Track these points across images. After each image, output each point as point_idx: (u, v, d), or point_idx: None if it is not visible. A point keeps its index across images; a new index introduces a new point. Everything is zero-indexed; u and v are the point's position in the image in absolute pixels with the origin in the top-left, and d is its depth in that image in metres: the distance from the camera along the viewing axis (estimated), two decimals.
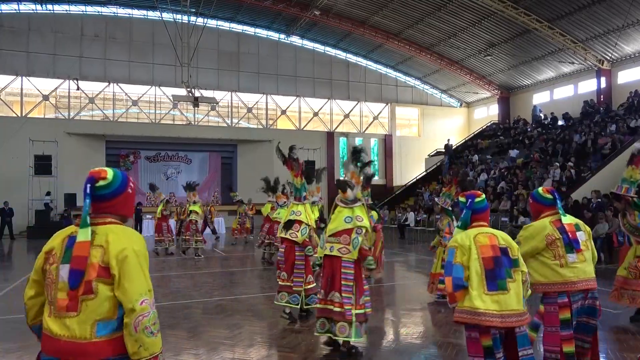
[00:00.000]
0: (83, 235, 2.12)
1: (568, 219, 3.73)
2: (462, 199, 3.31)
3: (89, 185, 2.18)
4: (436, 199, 8.36)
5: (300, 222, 6.28)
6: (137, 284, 2.12)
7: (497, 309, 2.96)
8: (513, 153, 20.90)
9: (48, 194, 21.00)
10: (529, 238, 3.68)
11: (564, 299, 3.56)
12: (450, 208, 7.54)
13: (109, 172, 2.24)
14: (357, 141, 29.52)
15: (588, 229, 3.84)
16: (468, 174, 12.37)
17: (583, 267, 3.60)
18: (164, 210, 14.35)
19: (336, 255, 4.63)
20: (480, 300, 2.96)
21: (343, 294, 4.54)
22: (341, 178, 5.20)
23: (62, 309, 2.08)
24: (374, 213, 9.15)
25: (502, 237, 3.17)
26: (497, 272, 3.02)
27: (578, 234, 3.67)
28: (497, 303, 2.97)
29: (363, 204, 4.93)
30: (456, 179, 7.65)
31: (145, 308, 2.10)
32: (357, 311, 4.55)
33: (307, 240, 6.18)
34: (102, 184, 2.21)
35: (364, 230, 4.68)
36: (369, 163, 5.72)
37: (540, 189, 3.90)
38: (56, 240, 2.20)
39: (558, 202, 3.78)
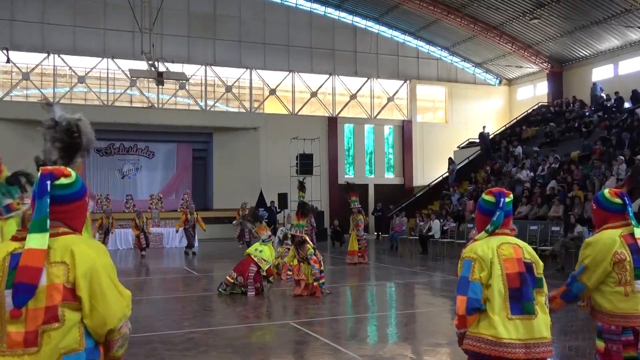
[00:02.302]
0: (38, 241, 2.12)
1: None
2: (489, 198, 3.31)
3: (48, 182, 2.21)
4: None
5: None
6: (114, 306, 2.21)
7: (521, 337, 2.99)
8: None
9: None
10: (599, 259, 3.59)
11: (629, 337, 3.54)
12: None
13: (72, 171, 2.31)
14: (367, 129, 29.58)
15: None
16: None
17: None
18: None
19: None
20: (503, 327, 2.99)
21: None
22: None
23: (16, 345, 2.07)
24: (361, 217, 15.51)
25: (527, 251, 3.19)
26: (523, 291, 3.05)
27: None
28: (521, 330, 3.00)
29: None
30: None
31: (122, 331, 2.28)
32: None
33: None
34: (65, 182, 2.25)
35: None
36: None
37: (606, 191, 3.84)
38: None
39: (630, 209, 3.71)
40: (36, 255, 2.10)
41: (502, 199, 3.26)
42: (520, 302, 3.02)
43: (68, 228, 2.27)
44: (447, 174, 27.07)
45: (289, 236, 12.40)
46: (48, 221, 2.15)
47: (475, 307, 3.03)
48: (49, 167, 2.30)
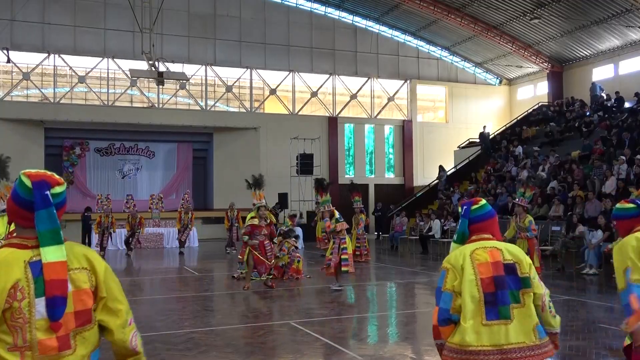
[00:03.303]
0: (57, 253, 2.18)
1: None
2: (459, 209, 3.42)
3: (48, 193, 2.23)
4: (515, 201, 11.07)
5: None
6: (125, 302, 2.41)
7: (496, 342, 2.92)
8: None
9: None
10: (636, 256, 3.46)
11: None
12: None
13: (61, 178, 2.35)
14: (368, 129, 29.58)
15: None
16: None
17: None
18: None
19: None
20: (474, 333, 2.93)
21: None
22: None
23: (50, 350, 2.15)
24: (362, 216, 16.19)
25: (509, 251, 3.13)
26: (498, 296, 2.98)
27: None
28: (497, 335, 2.94)
29: None
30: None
31: (134, 327, 2.44)
32: None
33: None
34: (59, 191, 2.29)
35: None
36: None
37: (618, 205, 3.91)
38: (14, 271, 2.18)
39: None
40: (59, 268, 2.17)
41: (465, 207, 3.29)
42: (496, 307, 2.96)
43: None
44: (450, 171, 27.10)
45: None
46: (62, 232, 2.21)
47: (446, 318, 3.03)
48: (36, 173, 2.27)
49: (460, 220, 3.29)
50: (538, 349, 2.98)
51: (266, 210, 11.80)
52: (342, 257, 10.70)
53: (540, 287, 3.10)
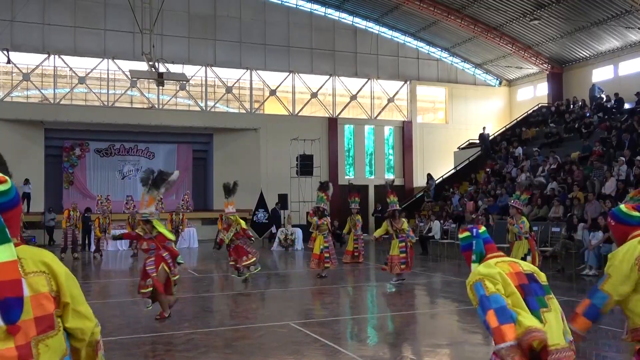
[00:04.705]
0: (5, 253, 2.03)
1: None
2: (465, 235, 3.48)
3: None
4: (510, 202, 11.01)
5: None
6: (87, 306, 2.32)
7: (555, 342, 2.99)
8: None
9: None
10: (619, 266, 3.51)
11: None
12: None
13: (6, 177, 2.22)
14: (367, 130, 29.58)
15: None
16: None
17: None
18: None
19: None
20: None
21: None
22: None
23: None
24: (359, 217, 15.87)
25: (525, 264, 3.28)
26: (529, 301, 3.06)
27: None
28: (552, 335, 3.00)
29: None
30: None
31: (99, 330, 2.37)
32: None
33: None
34: (3, 189, 2.18)
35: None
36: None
37: (623, 207, 3.83)
38: None
39: None
40: (9, 267, 2.03)
41: (474, 230, 3.43)
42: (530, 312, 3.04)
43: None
44: (449, 172, 27.11)
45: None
46: (7, 230, 2.06)
47: (508, 315, 2.94)
48: None
49: (474, 242, 3.39)
50: (569, 350, 3.05)
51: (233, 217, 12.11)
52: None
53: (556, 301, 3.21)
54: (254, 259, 11.91)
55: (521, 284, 3.08)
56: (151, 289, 8.06)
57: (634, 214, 3.73)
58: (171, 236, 8.75)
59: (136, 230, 8.85)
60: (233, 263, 11.99)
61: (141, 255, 18.25)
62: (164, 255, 8.25)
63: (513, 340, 2.85)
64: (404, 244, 11.73)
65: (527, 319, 2.95)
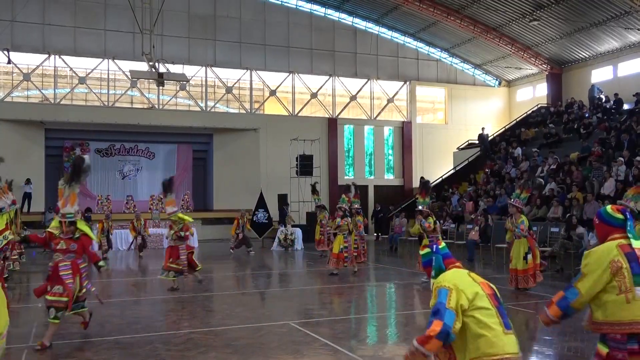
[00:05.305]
0: None
1: None
2: (425, 251, 3.76)
3: None
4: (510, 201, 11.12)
5: None
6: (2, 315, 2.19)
7: (512, 351, 3.15)
8: None
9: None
10: (594, 267, 3.66)
11: (633, 346, 3.54)
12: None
13: None
14: (367, 130, 29.59)
15: None
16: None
17: None
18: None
19: None
20: (501, 342, 3.14)
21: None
22: None
23: None
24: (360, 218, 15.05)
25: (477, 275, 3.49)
26: (501, 309, 3.24)
27: None
28: (512, 345, 3.17)
29: None
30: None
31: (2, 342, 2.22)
32: None
33: None
34: None
35: None
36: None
37: (609, 207, 3.97)
38: None
39: (629, 223, 3.83)
40: None
41: (434, 246, 3.71)
42: (505, 318, 3.20)
43: None
44: (449, 173, 27.10)
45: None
46: None
47: (446, 334, 3.13)
48: None
49: (434, 257, 3.61)
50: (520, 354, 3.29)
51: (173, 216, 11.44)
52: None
53: None
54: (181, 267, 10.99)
55: (492, 293, 3.31)
56: (66, 299, 6.87)
57: (617, 215, 3.87)
58: (94, 237, 8.25)
59: (48, 229, 7.32)
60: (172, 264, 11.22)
61: (145, 254, 18.33)
62: (81, 266, 7.14)
63: (429, 352, 3.14)
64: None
65: (493, 345, 3.11)
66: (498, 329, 3.13)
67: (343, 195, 14.37)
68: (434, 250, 3.57)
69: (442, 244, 3.61)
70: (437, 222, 12.01)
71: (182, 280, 11.44)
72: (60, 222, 7.07)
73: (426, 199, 12.12)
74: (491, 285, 3.37)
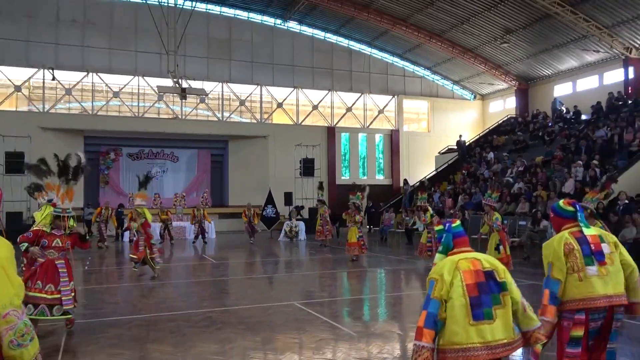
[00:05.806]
0: None
1: (591, 231, 3.74)
2: (439, 227, 3.38)
3: None
4: (484, 201, 11.04)
5: None
6: (1, 294, 2.12)
7: (482, 340, 2.90)
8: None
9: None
10: (558, 253, 3.63)
11: (580, 316, 3.55)
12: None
13: None
14: (361, 137, 29.56)
15: (613, 238, 3.78)
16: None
17: (606, 281, 3.56)
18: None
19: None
20: (464, 332, 2.90)
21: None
22: None
23: None
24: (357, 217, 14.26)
25: (486, 260, 3.13)
26: (482, 299, 2.97)
27: (602, 245, 3.64)
28: (483, 334, 2.91)
29: None
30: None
31: (10, 320, 2.12)
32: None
33: None
34: None
35: None
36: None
37: (561, 202, 3.95)
38: None
39: (580, 214, 3.82)
40: None
41: (447, 224, 3.32)
42: (481, 309, 2.94)
43: None
44: (431, 174, 27.03)
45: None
46: None
47: (432, 322, 2.96)
48: None
49: (444, 235, 3.27)
50: (515, 342, 3.00)
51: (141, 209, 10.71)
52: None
53: (516, 292, 3.08)
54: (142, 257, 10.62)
55: (478, 282, 2.99)
56: (52, 297, 6.04)
57: (568, 208, 3.85)
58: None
59: (42, 228, 6.26)
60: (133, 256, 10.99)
61: (169, 244, 18.31)
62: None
63: (426, 342, 2.92)
64: (430, 235, 12.21)
65: (457, 332, 2.91)
66: (463, 320, 2.92)
67: (358, 193, 14.21)
68: (446, 228, 3.33)
69: (457, 223, 3.39)
70: (434, 215, 12.30)
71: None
72: (61, 217, 6.26)
73: (424, 195, 12.42)
74: (488, 270, 3.06)
